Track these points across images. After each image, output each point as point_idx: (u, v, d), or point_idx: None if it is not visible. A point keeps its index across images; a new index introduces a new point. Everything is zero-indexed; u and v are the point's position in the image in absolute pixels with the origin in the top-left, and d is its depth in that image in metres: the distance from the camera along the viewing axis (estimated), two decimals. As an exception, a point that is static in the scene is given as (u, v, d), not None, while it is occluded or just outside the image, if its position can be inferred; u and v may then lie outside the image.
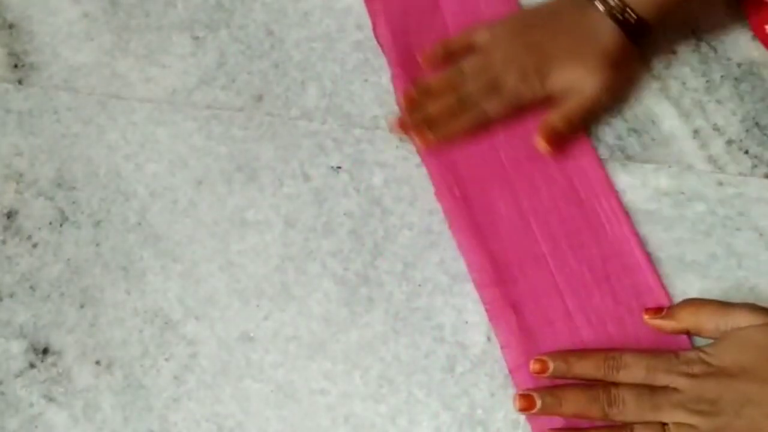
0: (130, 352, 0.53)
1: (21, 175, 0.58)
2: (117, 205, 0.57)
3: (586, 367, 0.50)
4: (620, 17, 0.58)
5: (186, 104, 0.61)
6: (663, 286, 0.54)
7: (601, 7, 0.58)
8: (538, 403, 0.49)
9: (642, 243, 0.56)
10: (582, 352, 0.51)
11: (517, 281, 0.54)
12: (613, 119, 0.60)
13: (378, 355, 0.53)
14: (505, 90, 0.58)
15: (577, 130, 0.59)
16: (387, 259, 0.56)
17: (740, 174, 0.58)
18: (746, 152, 0.59)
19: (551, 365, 0.51)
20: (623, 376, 0.50)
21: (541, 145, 0.58)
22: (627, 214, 0.56)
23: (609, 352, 0.51)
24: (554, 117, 0.58)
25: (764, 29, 0.61)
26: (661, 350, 0.51)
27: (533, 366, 0.51)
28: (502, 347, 0.53)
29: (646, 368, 0.49)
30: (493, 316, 0.54)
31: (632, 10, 0.58)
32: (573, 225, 0.56)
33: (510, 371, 0.52)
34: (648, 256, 0.55)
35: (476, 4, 0.64)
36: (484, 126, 0.59)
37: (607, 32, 0.58)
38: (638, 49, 0.60)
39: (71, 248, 0.56)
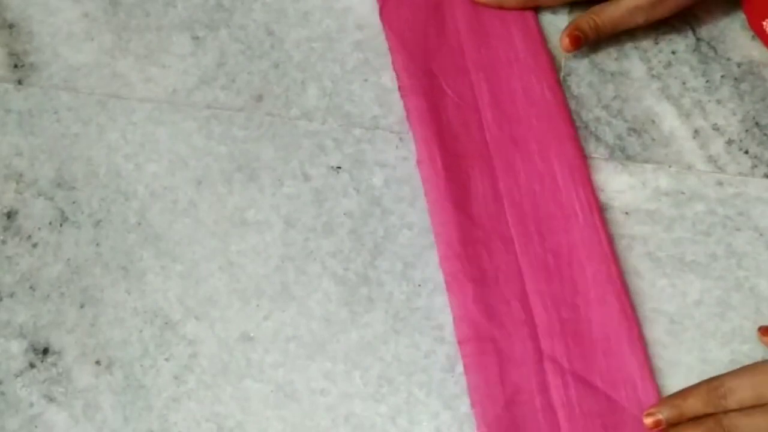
0: (130, 352, 0.53)
1: (21, 175, 0.58)
2: (117, 205, 0.57)
3: (694, 406, 0.49)
4: None
5: (186, 104, 0.61)
6: (623, 280, 0.54)
7: None
8: None
9: (610, 237, 0.55)
10: (684, 392, 0.50)
11: (480, 258, 0.54)
12: (613, 119, 0.60)
13: (378, 355, 0.53)
14: None
15: (601, 38, 0.62)
16: (387, 259, 0.56)
17: (740, 174, 0.58)
18: (746, 152, 0.59)
19: (661, 415, 0.49)
20: (732, 403, 0.48)
21: (564, 42, 0.61)
22: (600, 206, 0.57)
23: (710, 382, 0.49)
24: (584, 21, 0.61)
25: (761, 25, 0.61)
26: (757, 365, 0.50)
27: (646, 421, 0.50)
28: (454, 318, 0.53)
29: (751, 387, 0.48)
30: (451, 288, 0.54)
31: None
32: (546, 211, 0.56)
33: (458, 343, 0.52)
34: (614, 249, 0.55)
35: (488, 17, 0.64)
36: None
37: None
38: None
39: (71, 248, 0.56)
